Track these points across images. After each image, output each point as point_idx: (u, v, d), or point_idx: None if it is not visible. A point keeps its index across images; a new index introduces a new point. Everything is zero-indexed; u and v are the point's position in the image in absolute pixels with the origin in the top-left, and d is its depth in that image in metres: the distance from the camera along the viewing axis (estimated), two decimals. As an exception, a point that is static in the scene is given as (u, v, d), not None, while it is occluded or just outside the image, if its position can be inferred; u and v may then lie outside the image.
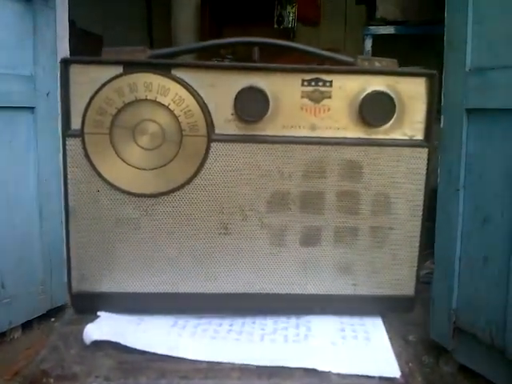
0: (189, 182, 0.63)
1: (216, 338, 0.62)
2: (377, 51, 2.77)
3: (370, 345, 0.62)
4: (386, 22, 2.64)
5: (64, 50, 1.75)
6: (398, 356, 0.60)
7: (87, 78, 0.61)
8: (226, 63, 0.62)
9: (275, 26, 3.86)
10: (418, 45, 3.04)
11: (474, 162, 1.41)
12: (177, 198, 0.63)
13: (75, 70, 0.61)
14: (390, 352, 0.60)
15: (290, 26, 3.82)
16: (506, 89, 1.31)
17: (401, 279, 0.68)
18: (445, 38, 1.56)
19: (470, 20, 1.45)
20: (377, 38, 2.72)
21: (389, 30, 2.74)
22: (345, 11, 3.95)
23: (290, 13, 3.81)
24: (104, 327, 0.62)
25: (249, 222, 0.65)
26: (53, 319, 1.81)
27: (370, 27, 2.68)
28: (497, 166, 1.35)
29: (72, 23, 2.94)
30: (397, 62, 0.66)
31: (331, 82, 0.63)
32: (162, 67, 0.61)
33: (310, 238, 0.65)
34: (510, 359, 1.30)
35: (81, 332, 0.61)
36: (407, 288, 0.68)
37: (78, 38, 2.95)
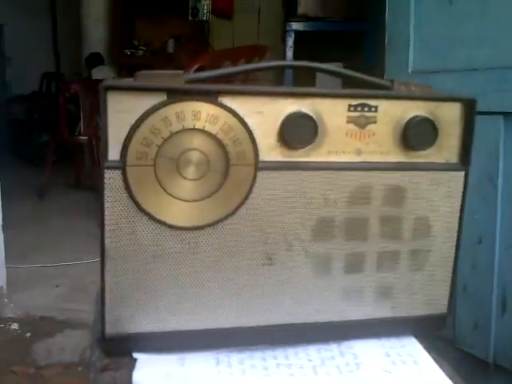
0: (234, 212, 0.60)
1: (269, 374, 0.60)
2: (298, 47, 2.80)
3: (420, 369, 0.62)
4: (306, 18, 2.67)
5: None
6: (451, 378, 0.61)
7: (126, 106, 0.56)
8: (273, 88, 0.59)
9: (190, 18, 3.82)
10: (337, 41, 3.09)
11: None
12: (221, 229, 0.60)
13: (113, 97, 0.56)
14: (442, 375, 0.61)
15: (204, 18, 3.79)
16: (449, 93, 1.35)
17: (435, 298, 0.68)
18: (386, 40, 1.58)
19: (412, 20, 1.47)
20: (297, 34, 2.74)
21: (309, 26, 2.78)
22: (258, 5, 3.97)
23: (204, 5, 3.78)
24: (151, 373, 0.58)
25: (293, 252, 0.63)
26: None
27: (292, 23, 2.70)
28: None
29: None
30: (430, 86, 0.66)
31: (377, 107, 0.62)
32: (210, 94, 0.57)
33: (353, 265, 0.65)
34: None
35: (125, 380, 0.57)
36: (441, 306, 0.69)
37: None
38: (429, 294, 0.68)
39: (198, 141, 0.58)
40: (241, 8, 3.96)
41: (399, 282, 0.66)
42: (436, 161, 0.65)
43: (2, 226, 2.15)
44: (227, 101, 0.58)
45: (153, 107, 0.56)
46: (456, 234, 0.67)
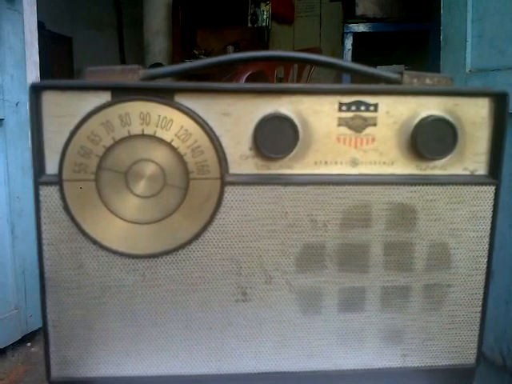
0: (197, 236, 0.49)
1: None
2: (356, 50, 2.68)
3: None
4: (366, 20, 2.54)
5: (33, 57, 1.59)
6: None
7: (65, 109, 0.47)
8: (244, 85, 0.48)
9: (249, 25, 3.77)
10: (399, 43, 2.95)
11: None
12: (182, 257, 0.50)
13: (49, 98, 0.46)
14: None
15: (264, 24, 3.73)
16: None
17: (460, 346, 0.55)
18: (441, 38, 1.45)
19: (470, 17, 1.34)
20: (356, 36, 2.62)
21: (369, 27, 2.66)
22: (319, 9, 3.87)
23: (263, 11, 3.73)
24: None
25: (273, 286, 0.51)
26: (29, 344, 1.65)
27: (350, 25, 2.58)
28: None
29: (41, 25, 2.79)
30: (451, 77, 0.53)
31: (376, 105, 0.49)
32: (163, 92, 0.47)
33: (350, 303, 0.52)
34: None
35: None
36: (467, 356, 0.55)
37: (47, 40, 2.81)
38: (450, 339, 0.54)
39: (149, 150, 0.47)
40: (301, 12, 3.88)
41: (411, 324, 0.53)
42: (456, 172, 0.51)
43: None
44: (186, 100, 0.48)
45: (93, 110, 0.46)
46: (485, 265, 0.53)
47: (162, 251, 0.49)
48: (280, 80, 2.53)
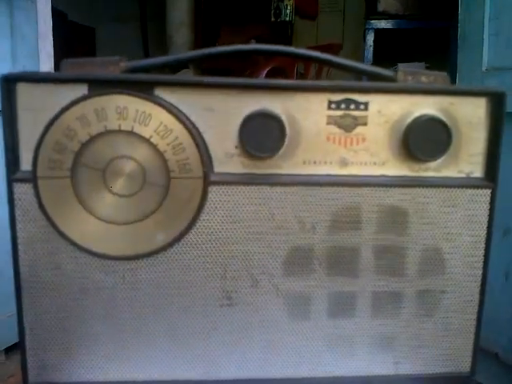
0: (179, 238, 0.47)
1: None
2: (378, 46, 2.66)
3: None
4: (387, 16, 2.52)
5: (47, 48, 1.56)
6: None
7: (40, 102, 0.45)
8: (229, 80, 0.46)
9: (272, 19, 3.75)
10: (421, 39, 2.93)
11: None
12: (164, 260, 0.48)
13: (23, 91, 0.45)
14: None
15: (287, 19, 3.71)
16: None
17: (454, 354, 0.52)
18: (458, 35, 1.43)
19: (487, 14, 1.32)
20: (378, 33, 2.60)
21: (390, 23, 2.64)
22: (343, 4, 3.85)
23: (287, 5, 3.71)
24: None
25: (260, 290, 0.49)
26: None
27: (372, 21, 2.56)
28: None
29: (64, 16, 2.77)
30: (447, 75, 0.51)
31: (367, 104, 0.47)
32: (142, 86, 0.45)
33: (340, 308, 0.50)
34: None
35: None
36: (462, 365, 0.53)
37: (70, 30, 2.79)
38: (444, 347, 0.52)
39: (127, 146, 0.45)
40: (325, 8, 3.86)
41: (403, 331, 0.51)
42: (451, 175, 0.49)
43: None
44: (167, 95, 0.46)
45: (69, 103, 0.44)
46: (481, 271, 0.51)
47: (142, 253, 0.47)
48: (301, 75, 2.50)
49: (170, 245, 0.47)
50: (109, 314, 0.48)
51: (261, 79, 0.46)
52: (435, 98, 0.48)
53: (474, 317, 0.52)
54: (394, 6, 2.59)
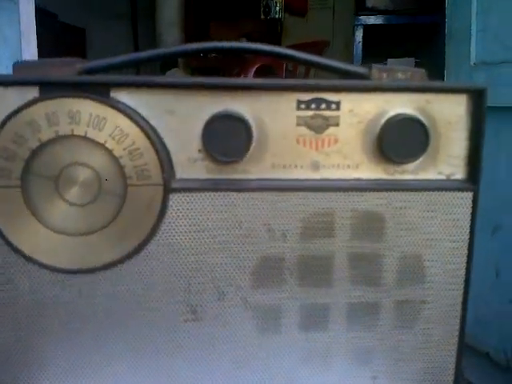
0: (139, 249, 0.44)
1: None
2: (367, 43, 2.64)
3: None
4: (376, 12, 2.50)
5: (31, 50, 1.53)
6: None
7: (-14, 106, 0.41)
8: (190, 79, 0.43)
9: (262, 16, 3.72)
10: (411, 35, 2.91)
11: (481, 165, 1.25)
12: (123, 273, 0.45)
13: (-32, 95, 0.41)
14: None
15: (276, 16, 3.69)
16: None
17: (435, 367, 0.50)
18: (446, 30, 1.41)
19: (475, 9, 1.30)
20: (367, 29, 2.58)
21: (380, 19, 2.61)
22: (333, 1, 3.83)
23: (276, 3, 3.69)
24: None
25: (227, 303, 0.46)
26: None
27: (361, 17, 2.54)
28: (505, 170, 1.18)
29: (54, 16, 2.74)
30: (425, 72, 0.48)
31: (338, 103, 0.44)
32: (97, 88, 0.42)
33: (313, 321, 0.47)
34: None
35: None
36: (444, 378, 0.50)
37: (60, 31, 2.76)
38: (425, 360, 0.49)
39: (81, 153, 0.42)
40: (315, 4, 3.83)
41: (381, 343, 0.48)
42: (430, 177, 0.46)
43: None
44: (124, 97, 0.42)
45: (18, 107, 0.41)
46: (463, 279, 0.48)
47: (99, 265, 0.44)
48: (290, 72, 2.47)
49: (129, 257, 0.44)
50: (66, 330, 0.45)
51: (224, 79, 0.43)
52: (411, 96, 0.45)
53: (457, 328, 0.49)
54: (383, 1, 2.57)
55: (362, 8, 2.64)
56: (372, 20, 2.57)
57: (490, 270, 1.26)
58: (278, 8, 3.67)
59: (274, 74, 2.23)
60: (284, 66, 2.28)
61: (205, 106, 0.43)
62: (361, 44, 2.60)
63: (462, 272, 0.48)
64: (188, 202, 0.44)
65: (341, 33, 3.60)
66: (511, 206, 1.19)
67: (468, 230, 0.47)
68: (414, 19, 2.67)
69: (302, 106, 0.44)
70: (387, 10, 2.51)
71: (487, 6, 1.27)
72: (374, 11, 2.59)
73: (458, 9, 1.36)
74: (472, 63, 1.29)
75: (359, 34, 2.57)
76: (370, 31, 2.65)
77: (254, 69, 2.14)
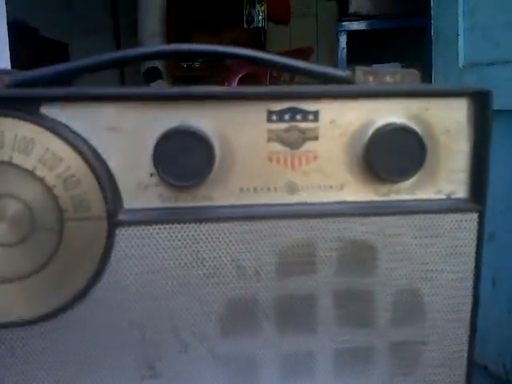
0: (82, 295, 0.36)
1: None
2: (352, 49, 2.60)
3: None
4: (359, 17, 2.45)
5: (4, 64, 1.45)
6: None
7: None
8: (136, 90, 0.36)
9: (245, 25, 3.70)
10: (395, 40, 2.87)
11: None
12: (63, 324, 0.37)
13: None
14: None
15: (260, 25, 3.67)
16: (511, 87, 1.09)
17: (440, 417, 0.42)
18: (432, 31, 1.36)
19: (461, 8, 1.25)
20: (351, 35, 2.53)
21: (363, 24, 2.57)
22: (315, 8, 3.82)
23: (259, 12, 3.67)
24: None
25: (191, 355, 0.38)
26: None
27: (344, 23, 2.48)
28: (499, 176, 1.12)
29: (35, 31, 2.69)
30: (418, 73, 0.41)
31: (316, 113, 0.37)
32: (24, 104, 0.34)
33: (295, 371, 0.40)
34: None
35: None
36: (450, 429, 0.43)
37: (42, 46, 2.70)
38: (428, 410, 0.42)
39: (8, 182, 0.35)
40: (298, 12, 3.81)
41: (376, 394, 0.41)
42: (428, 197, 0.39)
43: None
44: (57, 113, 0.35)
45: None
46: (469, 315, 0.41)
47: (34, 317, 0.36)
48: (274, 79, 2.40)
49: (71, 305, 0.36)
50: (-1, 394, 0.37)
51: (178, 88, 0.35)
52: (403, 102, 0.38)
53: (463, 371, 0.42)
54: (365, 6, 2.52)
55: (344, 14, 2.60)
56: (355, 25, 2.52)
57: (486, 279, 1.19)
58: (261, 17, 3.65)
59: (260, 82, 2.16)
60: (268, 73, 2.21)
61: (156, 121, 0.36)
62: (345, 50, 2.55)
63: (468, 307, 0.41)
64: (139, 238, 0.36)
65: (325, 40, 3.58)
66: (505, 213, 1.14)
67: (473, 258, 0.40)
68: (398, 23, 2.62)
69: (274, 117, 0.37)
70: (369, 14, 2.46)
71: (474, 4, 1.23)
72: (356, 17, 2.54)
73: (444, 8, 1.31)
74: (461, 65, 1.24)
75: (343, 40, 2.53)
76: (354, 37, 2.60)
77: (238, 78, 2.07)
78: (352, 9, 2.49)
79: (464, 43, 1.26)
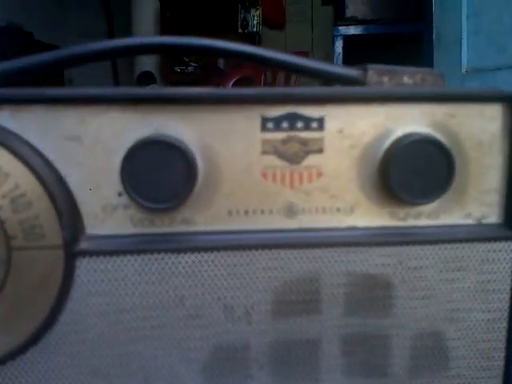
0: (35, 340, 0.30)
1: None
2: (348, 54, 2.56)
3: None
4: (356, 22, 2.40)
5: None
6: None
7: None
8: (100, 91, 0.29)
9: (240, 30, 3.69)
10: (392, 45, 2.83)
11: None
12: (13, 373, 0.30)
13: None
14: None
15: (254, 29, 3.65)
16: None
17: None
18: (433, 36, 1.31)
19: (465, 11, 1.19)
20: (348, 39, 2.48)
21: (359, 29, 2.53)
22: (311, 13, 3.80)
23: (254, 16, 3.66)
24: None
25: (168, 412, 0.32)
26: None
27: (340, 27, 2.44)
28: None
29: (29, 35, 2.67)
30: (442, 73, 0.34)
31: (321, 120, 0.30)
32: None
33: (293, 432, 0.33)
34: None
35: None
36: None
37: (36, 50, 2.69)
38: None
39: None
40: (293, 17, 3.81)
41: None
42: (455, 222, 0.33)
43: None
44: (5, 119, 0.28)
45: None
46: (502, 363, 0.34)
47: (-25, 367, 0.30)
48: (269, 84, 2.36)
49: (21, 351, 0.30)
50: None
51: (153, 89, 0.29)
52: (425, 108, 0.31)
53: (494, 428, 0.35)
54: (362, 11, 2.47)
55: (341, 18, 2.55)
56: (352, 30, 2.48)
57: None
58: (255, 21, 3.64)
59: (255, 85, 2.11)
60: (263, 77, 2.16)
61: (125, 129, 0.29)
62: (341, 55, 2.50)
63: (501, 354, 0.34)
64: (104, 271, 0.30)
65: (320, 45, 3.57)
66: None
67: (508, 296, 0.33)
68: (394, 28, 2.58)
69: (270, 125, 0.30)
70: (366, 19, 2.41)
71: (478, 7, 1.18)
72: (353, 21, 2.49)
73: (447, 12, 1.26)
74: (464, 71, 1.19)
75: (339, 45, 2.48)
76: (351, 42, 2.56)
77: (233, 81, 2.02)
78: (348, 13, 2.45)
79: (467, 48, 1.22)
